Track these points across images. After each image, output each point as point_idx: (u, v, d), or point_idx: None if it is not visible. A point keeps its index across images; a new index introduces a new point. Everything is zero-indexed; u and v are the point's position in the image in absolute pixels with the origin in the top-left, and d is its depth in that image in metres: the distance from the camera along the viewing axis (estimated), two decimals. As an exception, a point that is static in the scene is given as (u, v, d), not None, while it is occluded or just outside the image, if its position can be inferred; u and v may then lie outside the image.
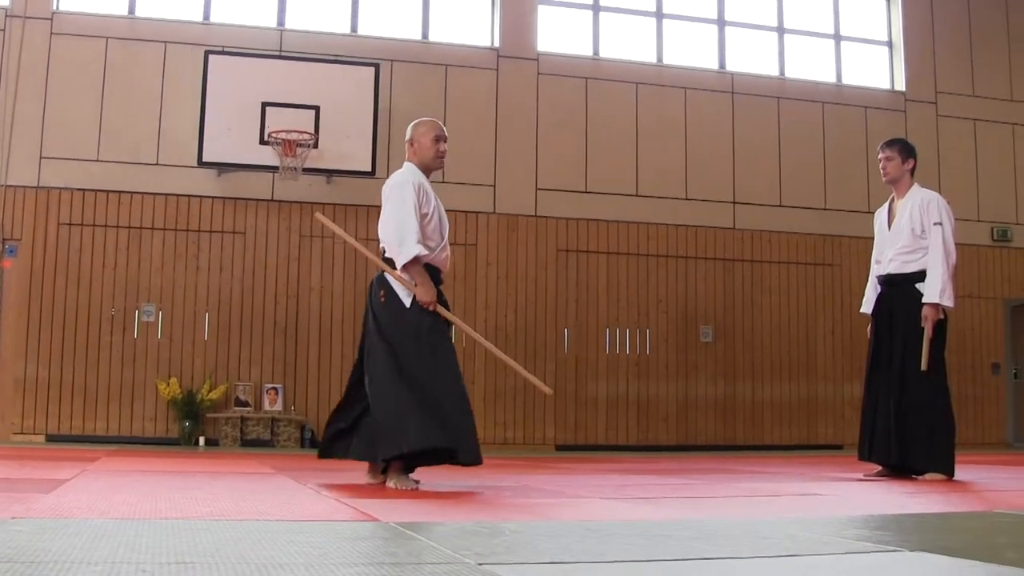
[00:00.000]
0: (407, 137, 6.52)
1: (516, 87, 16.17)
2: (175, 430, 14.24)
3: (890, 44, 18.10)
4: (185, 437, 14.08)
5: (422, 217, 6.22)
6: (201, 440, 14.25)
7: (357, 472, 6.61)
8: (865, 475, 7.81)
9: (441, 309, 6.23)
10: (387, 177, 6.53)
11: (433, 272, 6.28)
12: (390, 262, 6.24)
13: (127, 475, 6.89)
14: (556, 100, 16.29)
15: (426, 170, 6.44)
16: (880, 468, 7.76)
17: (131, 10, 15.13)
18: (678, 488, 6.63)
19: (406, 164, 6.46)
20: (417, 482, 6.02)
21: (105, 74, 14.75)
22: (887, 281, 7.83)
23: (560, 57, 16.49)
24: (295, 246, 15.07)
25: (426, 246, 6.19)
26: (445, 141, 6.49)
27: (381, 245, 6.33)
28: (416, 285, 6.13)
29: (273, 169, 14.43)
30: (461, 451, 6.03)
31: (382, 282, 6.27)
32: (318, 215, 7.21)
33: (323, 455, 6.68)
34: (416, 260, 6.10)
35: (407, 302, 6.16)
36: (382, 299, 6.20)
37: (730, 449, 15.75)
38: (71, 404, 14.19)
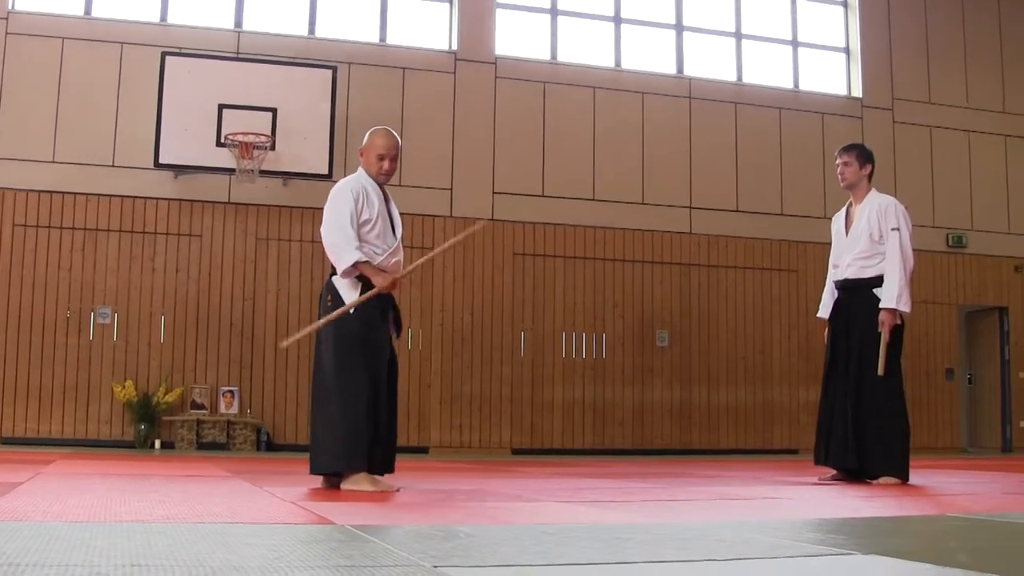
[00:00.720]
0: (362, 143, 6.51)
1: (474, 91, 16.16)
2: (131, 433, 14.14)
3: (847, 51, 18.23)
4: (141, 440, 13.99)
5: (363, 223, 6.25)
6: (157, 443, 14.15)
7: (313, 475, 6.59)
8: (820, 479, 7.85)
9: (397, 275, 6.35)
10: (343, 180, 6.54)
11: None
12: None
13: (82, 478, 6.85)
14: (514, 104, 16.29)
15: (375, 178, 6.43)
16: (835, 472, 7.80)
17: (87, 11, 15.00)
18: (634, 492, 6.64)
19: (359, 169, 6.48)
20: (396, 489, 6.09)
21: (61, 75, 14.62)
22: (844, 286, 7.87)
23: (518, 61, 16.50)
24: (251, 248, 14.99)
25: (370, 252, 6.19)
26: (392, 160, 6.43)
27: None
28: (373, 279, 6.18)
29: (230, 171, 14.36)
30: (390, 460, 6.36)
31: (330, 287, 6.32)
32: (284, 344, 7.23)
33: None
34: (355, 267, 6.13)
35: (352, 308, 6.19)
36: (329, 303, 6.26)
37: (686, 453, 15.81)
38: (26, 406, 14.06)
